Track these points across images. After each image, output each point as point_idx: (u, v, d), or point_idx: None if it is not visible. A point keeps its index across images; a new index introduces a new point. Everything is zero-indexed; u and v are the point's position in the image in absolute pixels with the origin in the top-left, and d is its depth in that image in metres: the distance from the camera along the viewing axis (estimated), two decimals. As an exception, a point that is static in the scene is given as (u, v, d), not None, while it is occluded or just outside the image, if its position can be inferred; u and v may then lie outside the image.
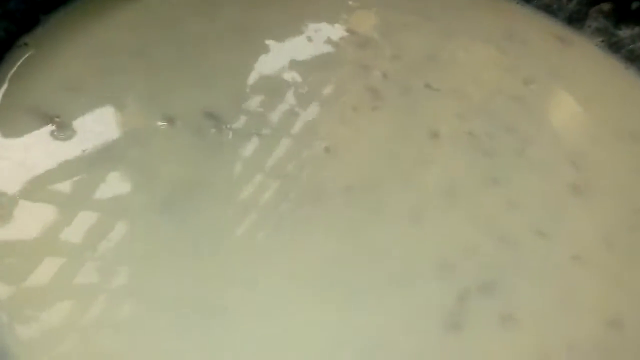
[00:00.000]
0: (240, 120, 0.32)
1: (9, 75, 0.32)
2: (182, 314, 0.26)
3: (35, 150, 0.29)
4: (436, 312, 0.27)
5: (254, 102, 0.33)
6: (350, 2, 0.41)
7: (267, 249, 0.28)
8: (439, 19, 0.40)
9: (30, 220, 0.27)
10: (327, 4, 0.40)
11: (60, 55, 0.33)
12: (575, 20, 0.42)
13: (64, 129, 0.30)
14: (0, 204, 0.27)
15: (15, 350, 0.24)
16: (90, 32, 0.35)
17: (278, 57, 0.36)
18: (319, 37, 0.37)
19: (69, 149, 0.30)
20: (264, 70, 0.35)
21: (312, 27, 0.38)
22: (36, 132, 0.30)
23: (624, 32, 0.41)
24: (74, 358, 0.24)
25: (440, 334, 0.27)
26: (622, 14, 0.41)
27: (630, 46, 0.41)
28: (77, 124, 0.31)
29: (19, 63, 0.33)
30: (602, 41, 0.41)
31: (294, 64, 0.35)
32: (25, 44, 0.34)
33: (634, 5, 0.41)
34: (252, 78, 0.34)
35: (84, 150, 0.30)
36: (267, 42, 0.36)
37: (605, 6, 0.41)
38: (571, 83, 0.39)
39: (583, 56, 0.41)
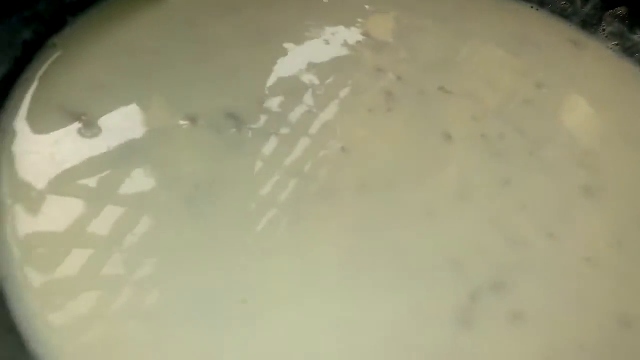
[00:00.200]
0: (260, 120, 0.33)
1: (39, 75, 0.33)
2: (203, 304, 0.26)
3: (62, 147, 0.30)
4: (448, 308, 0.28)
5: (273, 103, 0.34)
6: (366, 6, 0.41)
7: (285, 244, 0.29)
8: (453, 23, 0.40)
9: (59, 213, 0.28)
10: (343, 8, 0.40)
11: (87, 56, 0.34)
12: (589, 24, 0.42)
13: (90, 127, 0.31)
14: (30, 197, 0.28)
15: (45, 336, 0.25)
16: (115, 33, 0.35)
17: (296, 59, 0.36)
18: (335, 40, 0.38)
19: (95, 146, 0.30)
20: (283, 72, 0.35)
21: (329, 31, 0.38)
22: (63, 130, 0.31)
23: (639, 36, 0.41)
24: (101, 345, 0.25)
25: (452, 330, 0.27)
26: (637, 18, 0.41)
27: (645, 50, 0.41)
28: (103, 122, 0.31)
29: (47, 63, 0.33)
30: (616, 44, 0.41)
31: (312, 67, 0.36)
32: (54, 45, 0.34)
33: (650, 10, 0.41)
34: (271, 79, 0.35)
35: (109, 147, 0.30)
36: (286, 45, 0.37)
37: (620, 10, 0.41)
38: (584, 86, 0.39)
39: (597, 60, 0.41)
